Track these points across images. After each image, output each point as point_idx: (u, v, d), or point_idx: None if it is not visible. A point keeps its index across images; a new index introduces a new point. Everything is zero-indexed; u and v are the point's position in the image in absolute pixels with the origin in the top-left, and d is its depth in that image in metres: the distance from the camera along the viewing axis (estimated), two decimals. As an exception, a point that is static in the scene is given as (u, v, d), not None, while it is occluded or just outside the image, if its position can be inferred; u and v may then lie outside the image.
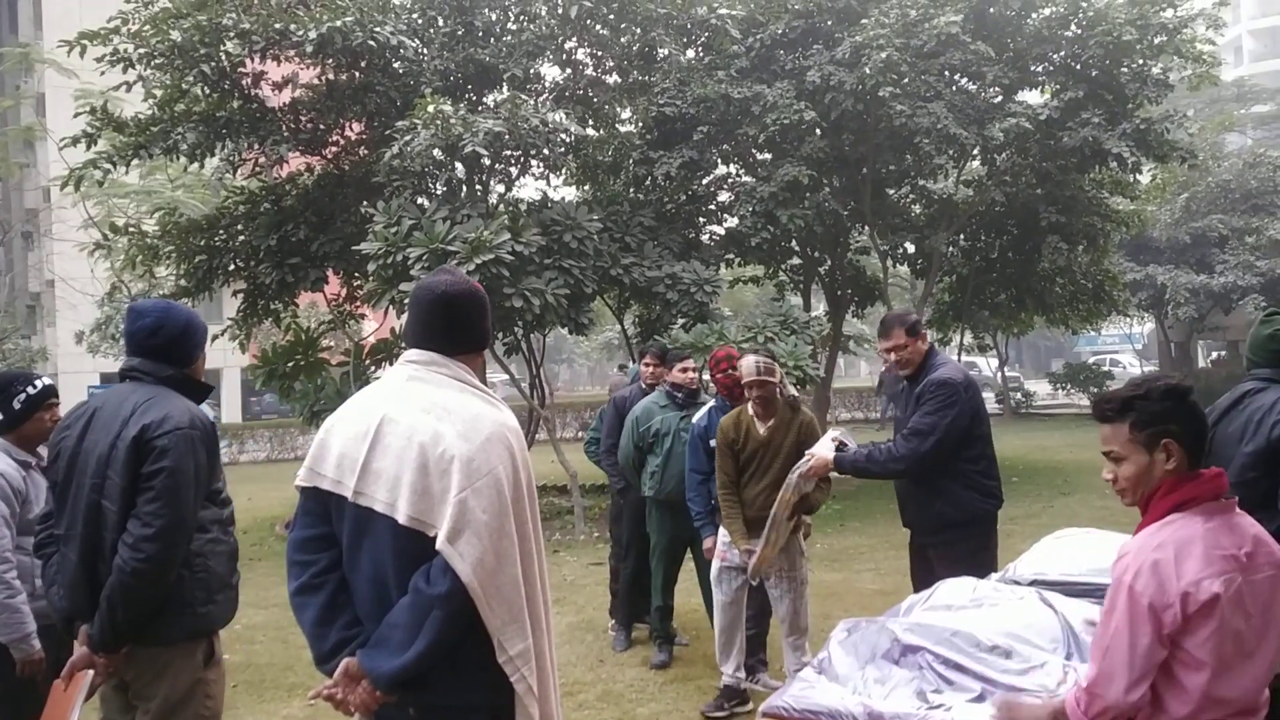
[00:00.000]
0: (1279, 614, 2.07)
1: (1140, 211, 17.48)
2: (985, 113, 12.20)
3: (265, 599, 7.69)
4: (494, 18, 11.12)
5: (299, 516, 2.26)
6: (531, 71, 11.00)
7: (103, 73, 10.01)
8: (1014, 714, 2.20)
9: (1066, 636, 2.64)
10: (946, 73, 12.36)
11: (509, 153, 10.50)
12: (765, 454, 4.51)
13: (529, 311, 9.21)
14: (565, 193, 14.99)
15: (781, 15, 12.29)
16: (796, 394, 4.67)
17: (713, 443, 4.86)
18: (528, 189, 58.68)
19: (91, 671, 2.70)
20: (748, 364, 4.53)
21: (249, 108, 10.95)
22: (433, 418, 2.14)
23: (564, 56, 11.48)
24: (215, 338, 12.91)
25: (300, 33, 9.52)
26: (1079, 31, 12.28)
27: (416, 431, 2.12)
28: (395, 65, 10.60)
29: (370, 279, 9.57)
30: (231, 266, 11.82)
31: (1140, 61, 12.35)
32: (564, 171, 13.58)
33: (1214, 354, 33.73)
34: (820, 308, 17.53)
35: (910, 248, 15.61)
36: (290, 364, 11.92)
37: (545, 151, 10.04)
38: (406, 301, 2.75)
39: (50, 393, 3.55)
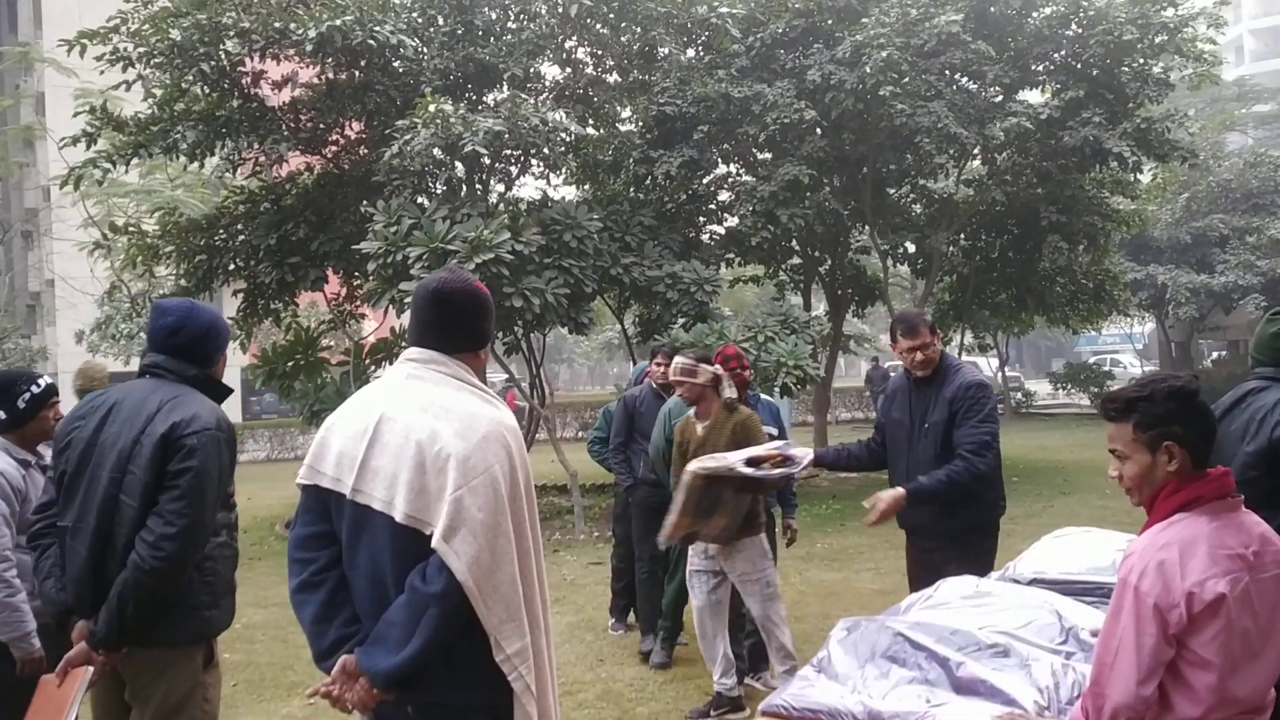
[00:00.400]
0: None
1: (1141, 211, 17.47)
2: (986, 112, 12.19)
3: (265, 598, 7.70)
4: (494, 17, 11.12)
5: (299, 514, 2.26)
6: (531, 71, 10.99)
7: (102, 72, 10.01)
8: None
9: (1066, 635, 2.63)
10: (947, 72, 12.35)
11: (509, 152, 10.50)
12: (702, 453, 4.52)
13: (529, 311, 9.21)
14: (565, 192, 15.00)
15: (782, 14, 12.28)
16: (735, 395, 4.66)
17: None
18: (528, 188, 58.66)
19: (90, 668, 2.68)
20: (674, 362, 4.72)
21: (249, 107, 10.95)
22: (430, 416, 2.15)
23: (564, 55, 11.48)
24: (215, 337, 12.93)
25: (300, 32, 9.52)
26: (1080, 31, 12.27)
27: (414, 430, 2.13)
28: (395, 64, 10.59)
29: (370, 278, 9.57)
30: (231, 266, 11.81)
31: (1141, 61, 12.34)
32: (564, 171, 13.57)
33: (1215, 354, 33.71)
34: (820, 307, 17.54)
35: (911, 247, 15.61)
36: (290, 363, 11.92)
37: (545, 151, 10.03)
38: (407, 300, 2.75)
39: (53, 391, 3.56)
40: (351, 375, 11.66)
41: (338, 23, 9.44)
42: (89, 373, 4.86)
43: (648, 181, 12.68)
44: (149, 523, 2.63)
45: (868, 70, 10.80)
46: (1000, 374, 26.70)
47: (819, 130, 12.09)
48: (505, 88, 10.61)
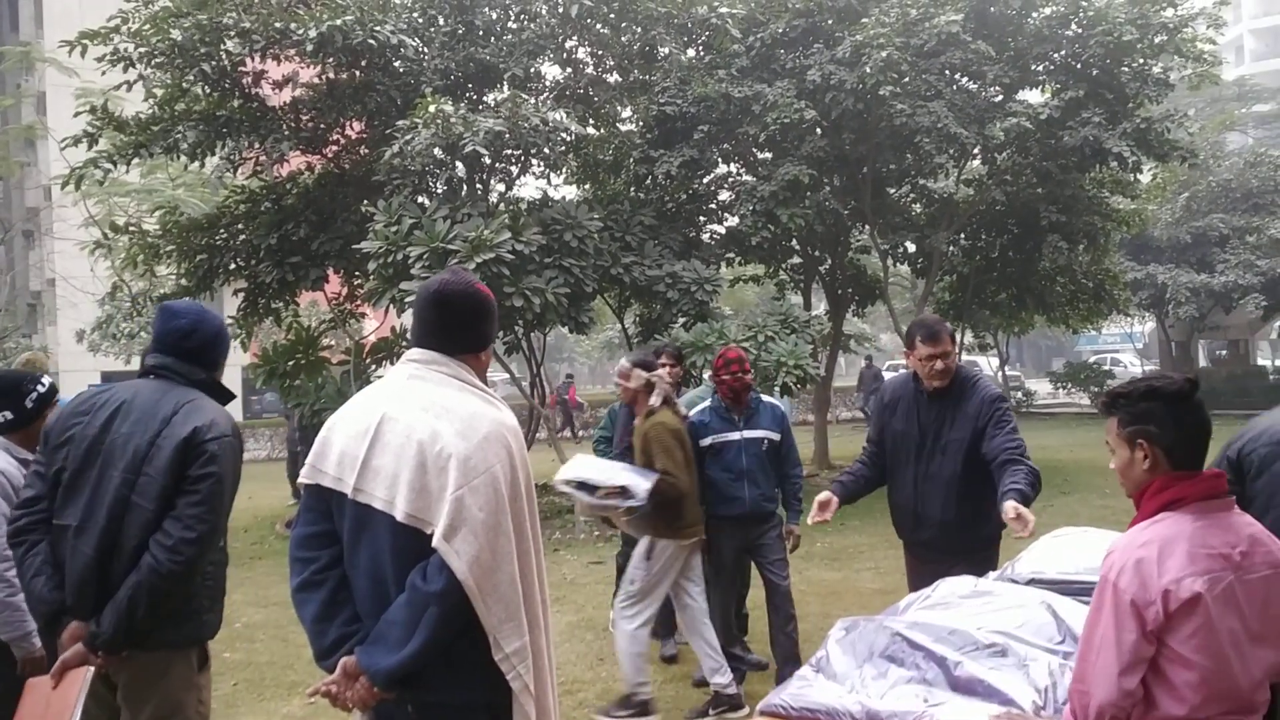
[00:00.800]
0: (1278, 613, 2.08)
1: (1141, 211, 17.45)
2: (986, 112, 12.20)
3: (265, 598, 7.71)
4: (494, 17, 11.12)
5: (301, 513, 2.28)
6: (532, 70, 11.00)
7: (103, 72, 10.02)
8: None
9: (1064, 635, 2.64)
10: (947, 72, 12.35)
11: (509, 152, 10.51)
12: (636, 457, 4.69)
13: (529, 310, 9.21)
14: (566, 192, 15.01)
15: (782, 14, 12.28)
16: (655, 405, 4.72)
17: (702, 442, 4.89)
18: (528, 188, 58.77)
19: (90, 670, 2.65)
20: (619, 365, 4.90)
21: (249, 107, 10.96)
22: (431, 416, 2.16)
23: (564, 55, 11.48)
24: (216, 336, 12.95)
25: (300, 32, 9.52)
26: (1079, 31, 12.27)
27: (415, 430, 2.14)
28: (396, 64, 10.60)
29: (371, 278, 9.58)
30: (232, 265, 11.83)
31: (1141, 61, 12.34)
32: (564, 170, 13.58)
33: (1215, 353, 33.71)
34: (821, 307, 17.54)
35: (911, 247, 15.60)
36: (291, 363, 11.92)
37: (546, 150, 10.04)
38: (408, 300, 2.77)
39: (55, 391, 3.58)
40: (352, 375, 11.67)
41: (338, 23, 9.44)
42: (35, 362, 4.91)
43: (648, 181, 12.68)
44: (166, 526, 2.63)
45: (868, 70, 10.81)
46: (1000, 373, 26.71)
47: (819, 130, 12.09)
48: (506, 87, 10.62)
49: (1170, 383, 2.17)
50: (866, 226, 14.32)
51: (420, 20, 10.94)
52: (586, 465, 4.50)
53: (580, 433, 23.12)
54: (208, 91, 10.79)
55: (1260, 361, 32.31)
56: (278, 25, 9.63)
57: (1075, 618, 2.70)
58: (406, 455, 2.12)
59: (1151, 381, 2.20)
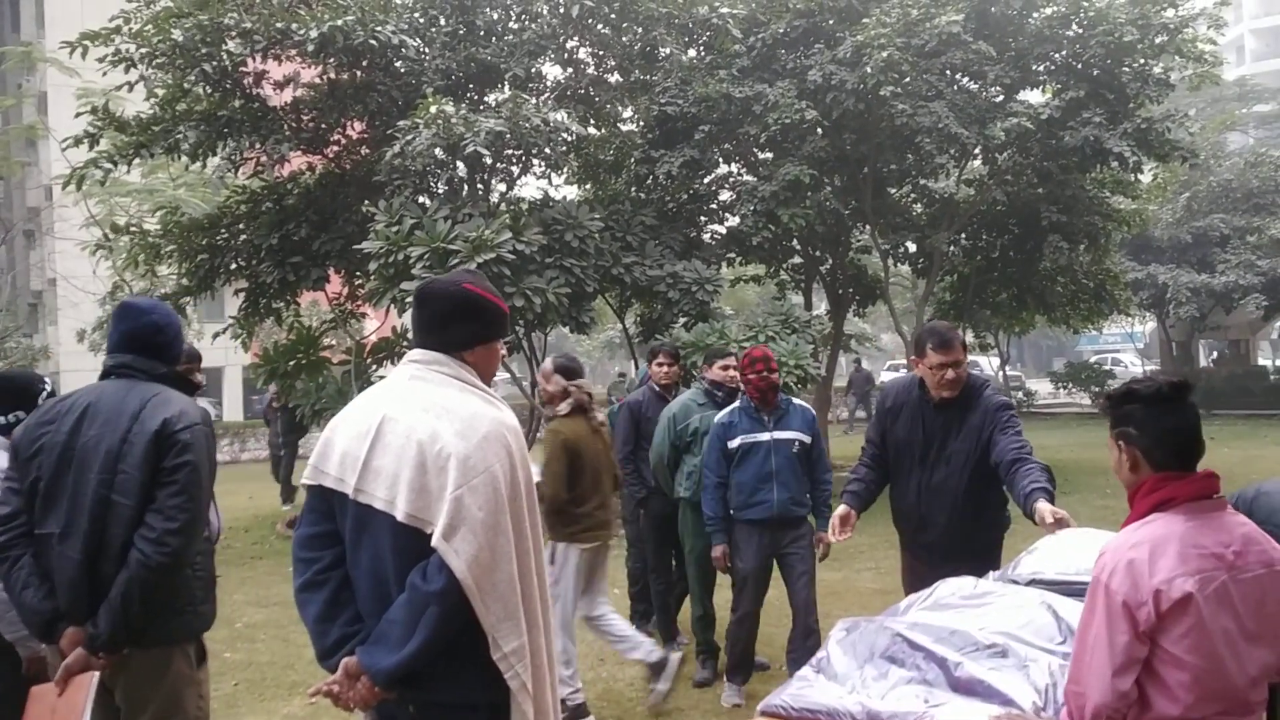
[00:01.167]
0: (1274, 612, 2.08)
1: (1141, 211, 17.44)
2: (986, 112, 12.19)
3: (266, 597, 7.71)
4: (495, 17, 11.12)
5: (304, 514, 2.29)
6: (533, 71, 11.00)
7: (104, 72, 10.02)
8: None
9: (1064, 635, 2.64)
10: (948, 72, 12.35)
11: (510, 152, 10.52)
12: None
13: (530, 310, 9.22)
14: (567, 192, 14.99)
15: (783, 14, 12.27)
16: (562, 412, 4.75)
17: (732, 444, 4.73)
18: (529, 188, 58.64)
19: (95, 674, 2.64)
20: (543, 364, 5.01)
21: (250, 107, 10.96)
22: (432, 416, 2.17)
23: (565, 56, 11.48)
24: (217, 336, 12.97)
25: (302, 32, 9.53)
26: (1080, 31, 12.26)
27: (415, 430, 2.15)
28: (397, 64, 10.60)
29: (372, 278, 9.58)
30: (233, 265, 11.84)
31: (1141, 61, 12.33)
32: (565, 171, 13.57)
33: (1215, 353, 33.71)
34: (821, 307, 17.55)
35: (911, 247, 15.59)
36: (292, 363, 11.93)
37: (547, 151, 10.04)
38: (408, 300, 2.77)
39: (55, 393, 3.59)
40: (353, 375, 11.67)
41: (339, 23, 9.45)
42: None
43: (649, 181, 12.68)
44: (149, 520, 2.63)
45: (869, 70, 10.80)
46: (1001, 373, 26.70)
47: (820, 130, 12.09)
48: (507, 88, 10.62)
49: (1149, 385, 2.18)
50: (867, 226, 14.32)
51: (421, 20, 10.94)
52: None
53: None
54: (209, 92, 10.79)
55: (1261, 361, 32.30)
56: (279, 25, 9.63)
57: (1076, 618, 2.68)
58: (407, 455, 2.12)
59: (1132, 383, 2.22)
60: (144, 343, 2.88)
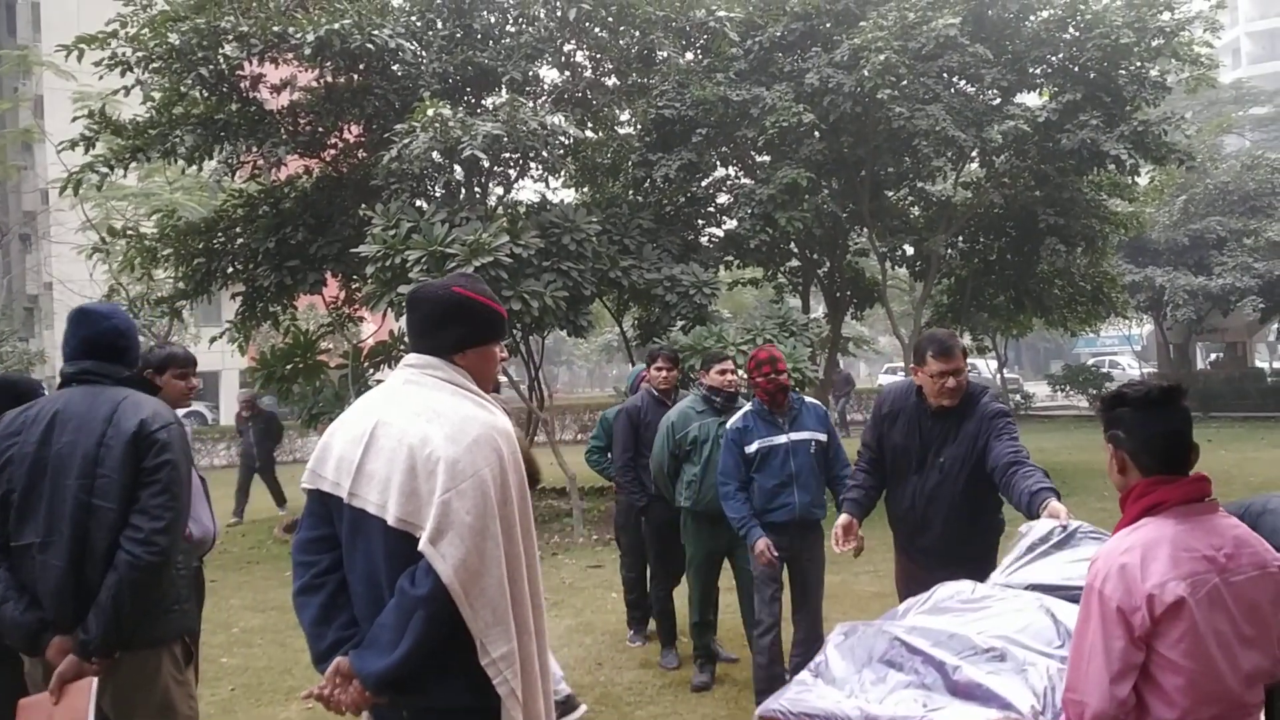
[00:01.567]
0: (1268, 614, 2.07)
1: (1138, 213, 17.45)
2: (983, 115, 12.21)
3: (263, 602, 7.68)
4: (492, 20, 11.12)
5: (304, 518, 2.30)
6: (530, 74, 11.00)
7: (101, 76, 10.00)
8: None
9: (1063, 639, 2.63)
10: (945, 75, 12.36)
11: (508, 155, 10.50)
12: None
13: (528, 314, 9.21)
14: (564, 195, 14.99)
15: (780, 18, 12.29)
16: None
17: (748, 448, 4.66)
18: (526, 191, 58.69)
19: (94, 680, 2.62)
20: None
21: (247, 110, 10.95)
22: (423, 420, 2.17)
23: (563, 59, 11.48)
24: (214, 340, 12.95)
25: (298, 35, 9.52)
26: (1077, 34, 12.29)
27: (407, 434, 2.15)
28: (394, 68, 10.60)
29: (369, 281, 9.57)
30: (230, 269, 11.82)
31: (1138, 64, 12.35)
32: (563, 174, 13.57)
33: (1212, 355, 33.76)
34: (819, 310, 17.52)
35: (909, 250, 15.59)
36: (289, 366, 11.92)
37: (544, 154, 10.04)
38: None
39: None
40: (350, 378, 11.66)
41: (336, 26, 9.44)
42: None
43: (646, 184, 12.68)
44: (134, 520, 2.63)
45: (866, 73, 10.81)
46: (999, 376, 26.72)
47: (817, 133, 12.10)
48: (504, 91, 10.61)
49: (1138, 389, 2.18)
50: (865, 229, 14.33)
51: (418, 24, 10.94)
52: None
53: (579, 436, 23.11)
54: (205, 95, 10.77)
55: (1258, 364, 32.35)
56: (276, 29, 9.63)
57: (1073, 621, 2.69)
58: (398, 459, 2.12)
59: (1122, 387, 2.23)
60: (105, 348, 2.88)
